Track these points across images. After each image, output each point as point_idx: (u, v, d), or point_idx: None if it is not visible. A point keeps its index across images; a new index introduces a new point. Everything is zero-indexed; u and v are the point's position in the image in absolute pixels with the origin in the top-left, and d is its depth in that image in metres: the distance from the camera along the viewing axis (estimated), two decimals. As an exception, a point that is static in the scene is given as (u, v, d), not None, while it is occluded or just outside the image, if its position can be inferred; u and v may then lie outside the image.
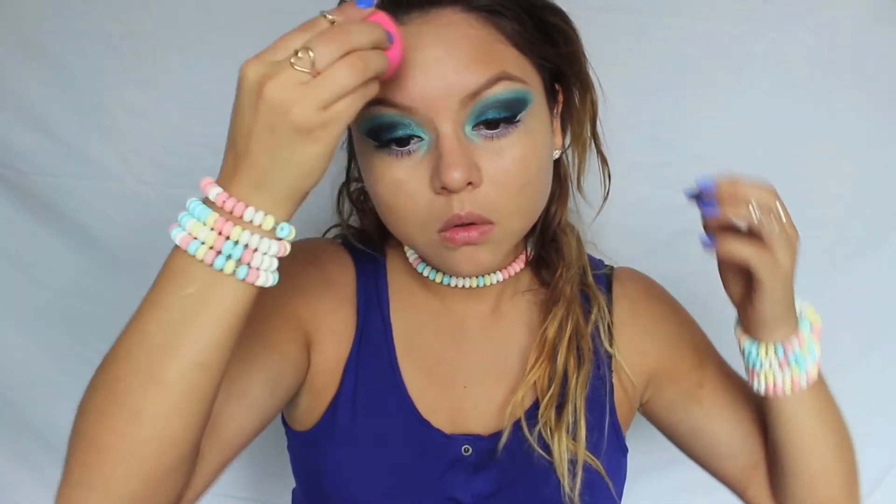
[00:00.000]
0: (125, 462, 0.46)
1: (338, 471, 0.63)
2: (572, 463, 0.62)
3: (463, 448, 0.64)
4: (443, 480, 0.64)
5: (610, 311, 0.68)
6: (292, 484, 0.73)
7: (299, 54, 0.43)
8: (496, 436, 0.64)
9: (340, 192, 0.70)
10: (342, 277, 0.67)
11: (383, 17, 0.47)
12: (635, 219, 0.91)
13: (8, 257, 0.98)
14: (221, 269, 0.45)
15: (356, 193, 0.69)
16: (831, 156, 0.90)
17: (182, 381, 0.46)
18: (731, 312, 0.95)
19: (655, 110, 0.88)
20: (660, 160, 0.91)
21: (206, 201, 0.46)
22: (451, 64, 0.52)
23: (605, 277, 0.71)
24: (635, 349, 0.68)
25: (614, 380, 0.68)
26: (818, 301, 0.94)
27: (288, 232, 0.47)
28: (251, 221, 0.45)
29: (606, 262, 0.74)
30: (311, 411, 0.65)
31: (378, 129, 0.53)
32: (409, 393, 0.65)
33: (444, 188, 0.53)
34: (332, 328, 0.65)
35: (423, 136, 0.53)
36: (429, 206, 0.54)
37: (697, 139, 0.90)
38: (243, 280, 0.46)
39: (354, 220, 0.72)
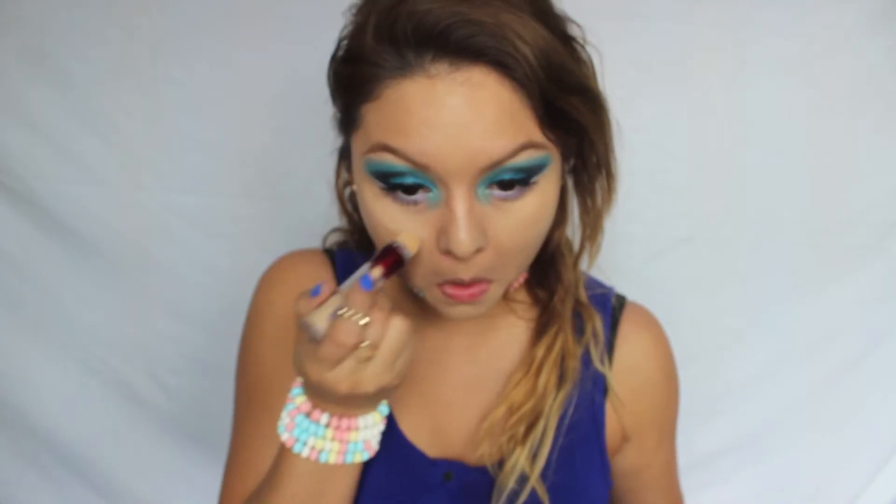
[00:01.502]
0: None
1: None
2: (519, 482, 0.61)
3: (444, 474, 0.63)
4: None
5: (612, 346, 0.67)
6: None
7: (364, 347, 0.50)
8: (481, 470, 0.63)
9: (337, 191, 0.69)
10: None
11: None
12: (635, 226, 0.91)
13: (7, 261, 0.97)
14: (352, 462, 0.56)
15: (347, 195, 0.69)
16: (831, 161, 0.90)
17: None
18: (731, 320, 0.96)
19: (653, 116, 0.88)
20: (659, 166, 0.90)
21: (311, 415, 0.55)
22: (479, 130, 0.48)
23: (612, 307, 0.69)
24: (623, 395, 0.67)
25: (607, 404, 0.66)
26: (821, 305, 0.96)
27: (388, 409, 0.58)
28: (363, 427, 0.55)
29: (606, 284, 0.72)
30: None
31: (385, 175, 0.51)
32: (391, 409, 0.64)
33: (449, 252, 0.51)
34: None
35: (432, 189, 0.51)
36: (431, 261, 0.53)
37: (696, 145, 0.90)
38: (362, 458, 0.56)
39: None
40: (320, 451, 0.54)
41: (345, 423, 0.54)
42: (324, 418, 0.54)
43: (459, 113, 0.48)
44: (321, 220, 0.73)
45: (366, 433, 0.55)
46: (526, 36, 0.48)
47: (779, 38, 0.86)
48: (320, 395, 0.53)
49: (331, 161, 0.66)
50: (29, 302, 0.99)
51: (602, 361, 0.65)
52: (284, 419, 0.55)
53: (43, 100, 0.90)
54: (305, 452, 0.54)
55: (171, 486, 1.03)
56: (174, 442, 1.02)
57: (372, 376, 0.51)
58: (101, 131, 0.91)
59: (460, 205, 0.50)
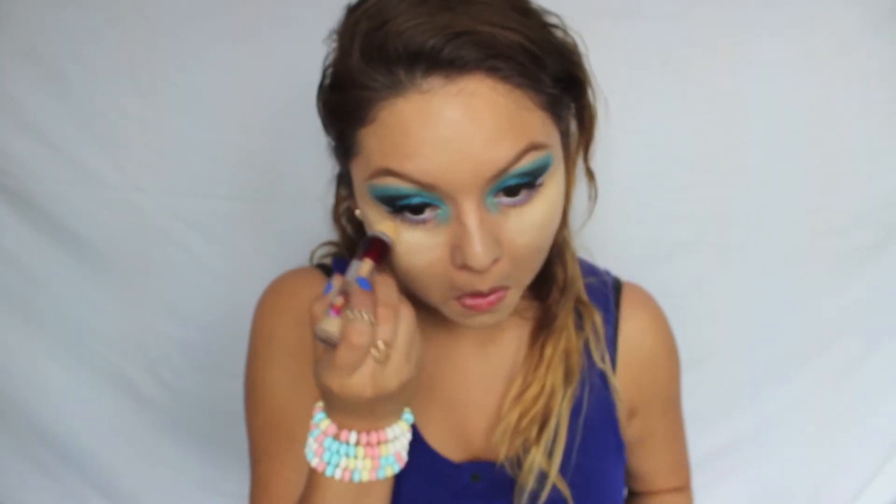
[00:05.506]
0: None
1: None
2: (540, 480, 0.61)
3: (472, 476, 0.63)
4: None
5: (616, 328, 0.68)
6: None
7: (379, 349, 0.49)
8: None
9: (335, 213, 0.69)
10: None
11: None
12: (635, 229, 0.91)
13: (7, 262, 0.97)
14: (384, 477, 0.54)
15: (345, 213, 0.68)
16: (834, 163, 0.90)
17: None
18: (734, 322, 0.96)
19: (654, 118, 0.88)
20: (659, 169, 0.90)
21: (339, 437, 0.53)
22: (480, 140, 0.47)
23: (612, 291, 0.70)
24: (629, 372, 0.68)
25: (614, 394, 0.67)
26: (823, 307, 0.95)
27: (412, 417, 0.56)
28: (392, 438, 0.54)
29: (598, 268, 0.73)
30: None
31: (391, 198, 0.50)
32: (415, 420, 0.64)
33: (466, 266, 0.50)
34: None
35: (441, 206, 0.50)
36: (448, 276, 0.52)
37: (697, 147, 0.90)
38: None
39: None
40: (353, 471, 0.53)
41: (374, 437, 0.53)
42: (352, 437, 0.52)
43: (458, 126, 0.47)
44: (319, 222, 0.73)
45: (395, 445, 0.54)
46: (512, 29, 0.48)
47: (781, 38, 0.86)
48: (345, 408, 0.51)
49: (329, 162, 0.66)
50: (29, 302, 0.98)
51: (603, 359, 0.66)
52: (312, 445, 0.54)
53: (39, 101, 0.90)
54: (338, 475, 0.53)
55: (172, 483, 1.03)
56: (175, 439, 1.02)
57: (392, 373, 0.50)
58: (97, 133, 0.91)
59: (471, 218, 0.49)
